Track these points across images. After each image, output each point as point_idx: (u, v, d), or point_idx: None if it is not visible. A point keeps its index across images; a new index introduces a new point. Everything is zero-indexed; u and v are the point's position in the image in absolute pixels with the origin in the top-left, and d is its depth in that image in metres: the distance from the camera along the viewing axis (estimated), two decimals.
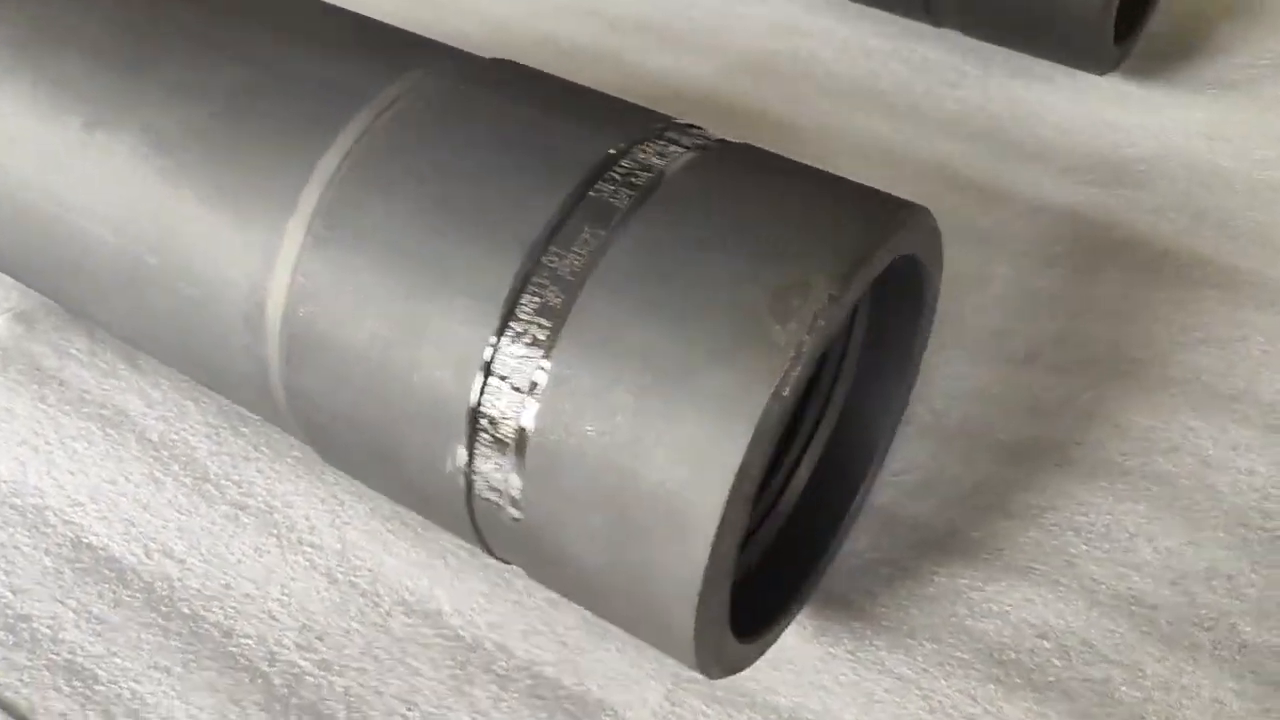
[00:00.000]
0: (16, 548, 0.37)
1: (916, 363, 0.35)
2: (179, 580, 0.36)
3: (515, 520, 0.28)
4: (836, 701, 0.32)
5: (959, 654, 0.33)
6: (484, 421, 0.27)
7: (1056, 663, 0.32)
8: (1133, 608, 0.33)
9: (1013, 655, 0.33)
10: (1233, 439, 0.36)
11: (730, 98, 0.49)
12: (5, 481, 0.39)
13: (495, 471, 0.27)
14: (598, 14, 0.55)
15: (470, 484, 0.28)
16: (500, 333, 0.27)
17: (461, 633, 0.35)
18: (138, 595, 0.36)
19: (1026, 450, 0.37)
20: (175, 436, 0.40)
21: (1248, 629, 0.33)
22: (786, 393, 0.25)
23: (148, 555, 0.37)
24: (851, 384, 0.36)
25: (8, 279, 0.43)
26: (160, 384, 0.41)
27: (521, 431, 0.27)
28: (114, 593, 0.36)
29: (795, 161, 0.30)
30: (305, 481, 0.38)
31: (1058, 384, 0.39)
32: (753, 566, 0.34)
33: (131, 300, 0.33)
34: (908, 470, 0.37)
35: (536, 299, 0.27)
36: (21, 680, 0.34)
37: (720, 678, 0.30)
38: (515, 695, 0.33)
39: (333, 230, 0.29)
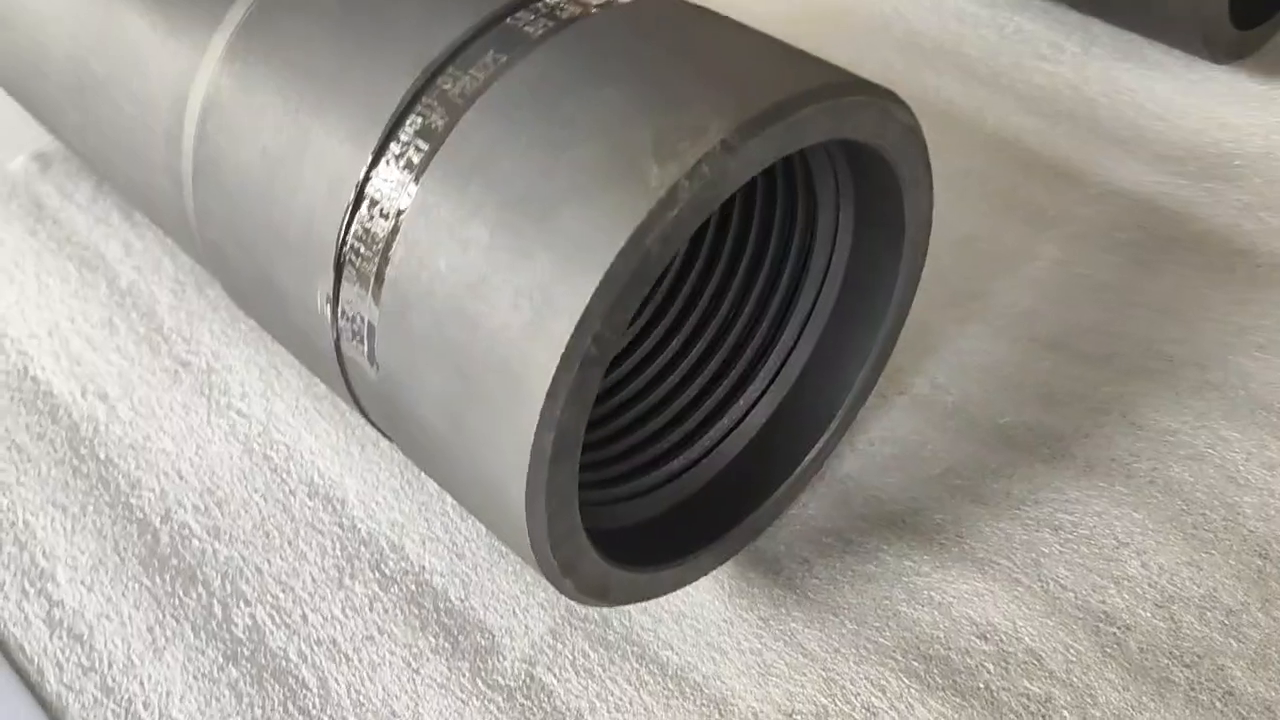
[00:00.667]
0: None
1: (898, 313, 0.31)
2: (104, 424, 0.35)
3: (373, 372, 0.25)
4: (729, 668, 0.28)
5: (881, 639, 0.28)
6: (349, 253, 0.24)
7: (991, 668, 0.27)
8: (1100, 624, 0.28)
9: (942, 651, 0.28)
10: (1271, 457, 0.31)
11: (790, 37, 0.46)
12: None
13: (357, 315, 0.25)
14: None
15: (337, 329, 0.25)
16: (379, 154, 0.24)
17: (359, 525, 0.32)
18: (62, 432, 0.35)
19: (1022, 437, 0.32)
20: (143, 287, 0.39)
21: (1239, 674, 0.27)
22: (651, 241, 0.21)
23: (83, 395, 0.36)
24: (825, 324, 0.32)
25: (36, 124, 0.43)
26: (145, 236, 0.40)
27: (382, 265, 0.24)
28: (40, 425, 0.35)
29: (754, 29, 0.27)
30: (251, 349, 0.37)
31: (1079, 374, 0.33)
32: (681, 503, 0.31)
33: (80, 112, 0.32)
34: (884, 441, 0.33)
35: (420, 119, 0.24)
36: None
37: (582, 599, 0.26)
38: (394, 598, 0.31)
39: (247, 45, 0.27)
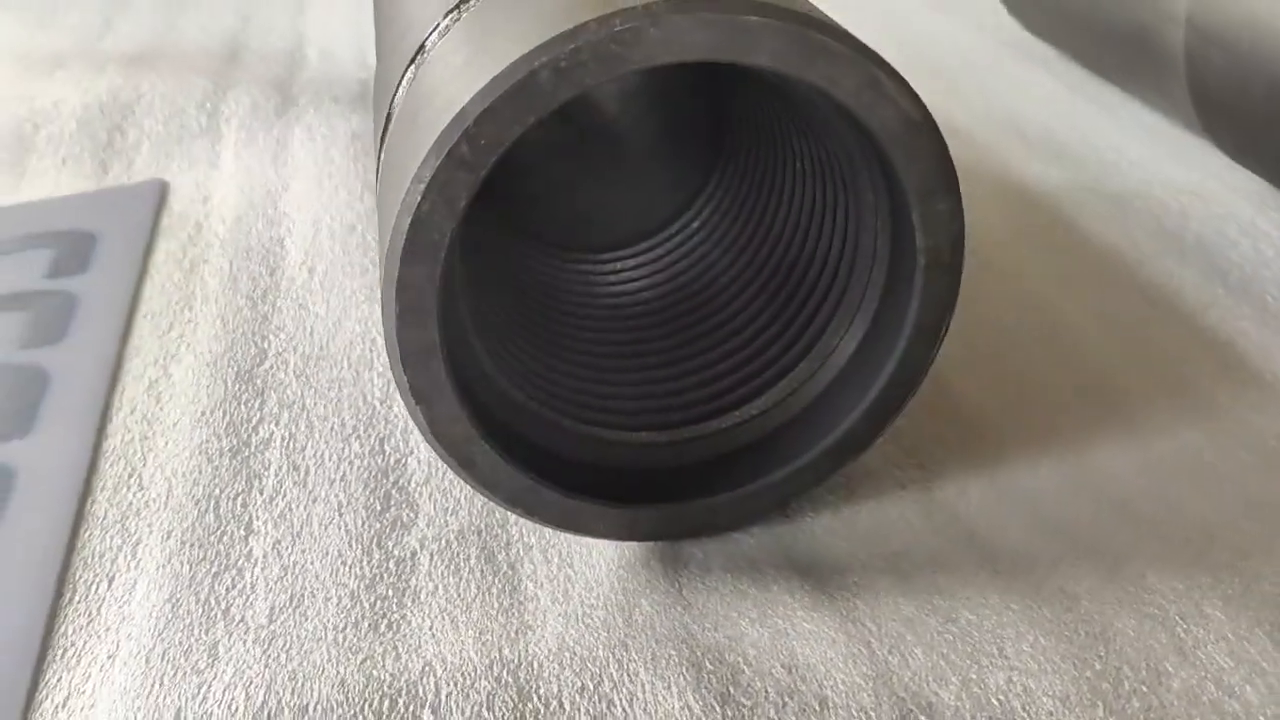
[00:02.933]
0: None
1: (905, 364, 0.29)
2: None
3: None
4: (561, 611, 0.28)
5: (692, 640, 0.26)
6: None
7: (771, 695, 0.24)
8: (912, 710, 0.23)
9: (739, 665, 0.25)
10: (1249, 653, 0.24)
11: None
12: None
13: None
14: None
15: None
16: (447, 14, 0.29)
17: None
18: None
19: (995, 551, 0.28)
20: None
21: None
22: (540, 65, 0.23)
23: None
24: (847, 358, 0.31)
25: None
26: None
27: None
28: None
29: None
30: None
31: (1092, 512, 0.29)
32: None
33: None
34: (856, 500, 0.30)
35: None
36: None
37: (434, 442, 0.27)
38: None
39: None
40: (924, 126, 0.26)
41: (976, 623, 0.26)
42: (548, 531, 0.30)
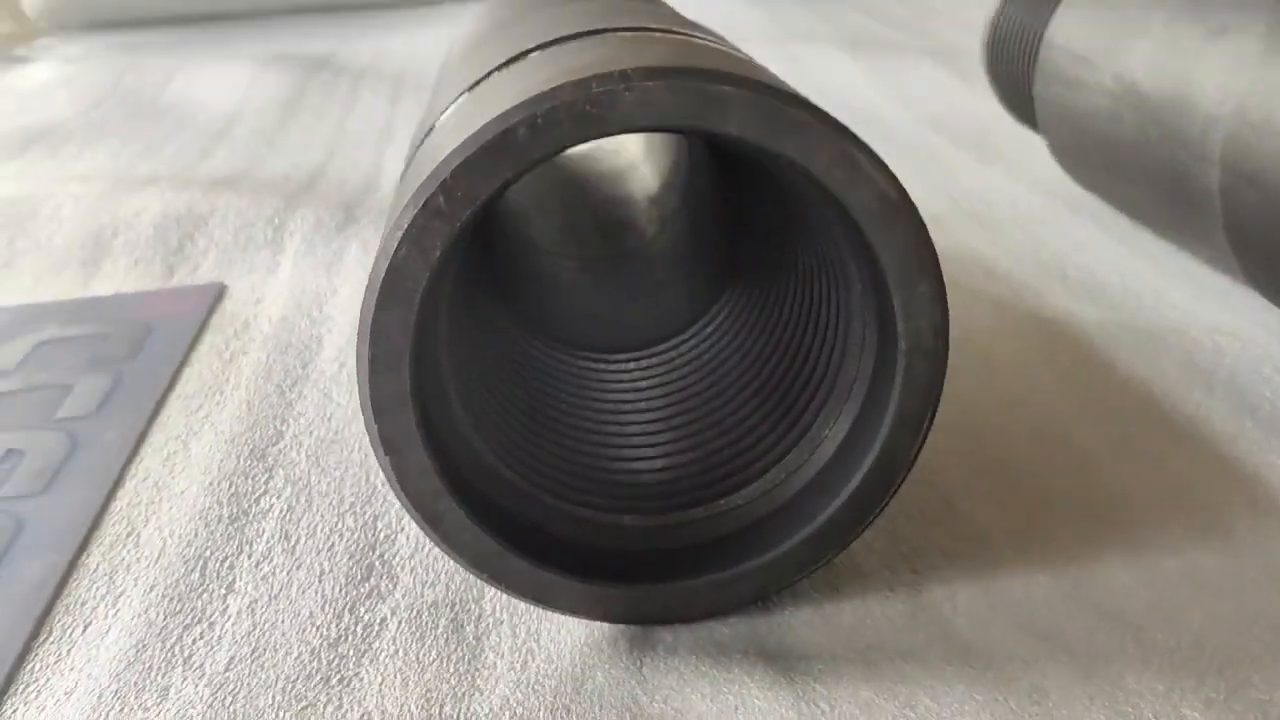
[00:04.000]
0: None
1: (885, 456, 0.28)
2: None
3: None
4: (513, 679, 0.27)
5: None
6: None
7: None
8: None
9: None
10: None
11: None
12: None
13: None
14: None
15: None
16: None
17: None
18: None
19: (968, 643, 0.27)
20: None
21: None
22: (518, 121, 0.24)
23: None
24: (840, 440, 0.30)
25: None
26: None
27: None
28: None
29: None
30: None
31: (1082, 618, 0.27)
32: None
33: None
34: (833, 592, 0.29)
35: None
36: None
37: (406, 501, 0.27)
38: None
39: None
40: (901, 207, 0.26)
41: (935, 709, 0.24)
42: (522, 608, 0.30)
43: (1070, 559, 0.31)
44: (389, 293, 0.25)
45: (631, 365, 0.37)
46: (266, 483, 0.37)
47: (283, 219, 0.59)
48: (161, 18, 1.21)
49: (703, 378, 0.36)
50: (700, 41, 0.30)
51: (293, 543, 0.34)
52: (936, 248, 0.26)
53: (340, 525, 0.34)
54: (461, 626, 0.30)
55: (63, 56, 1.10)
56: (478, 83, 0.31)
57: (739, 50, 0.32)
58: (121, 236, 0.58)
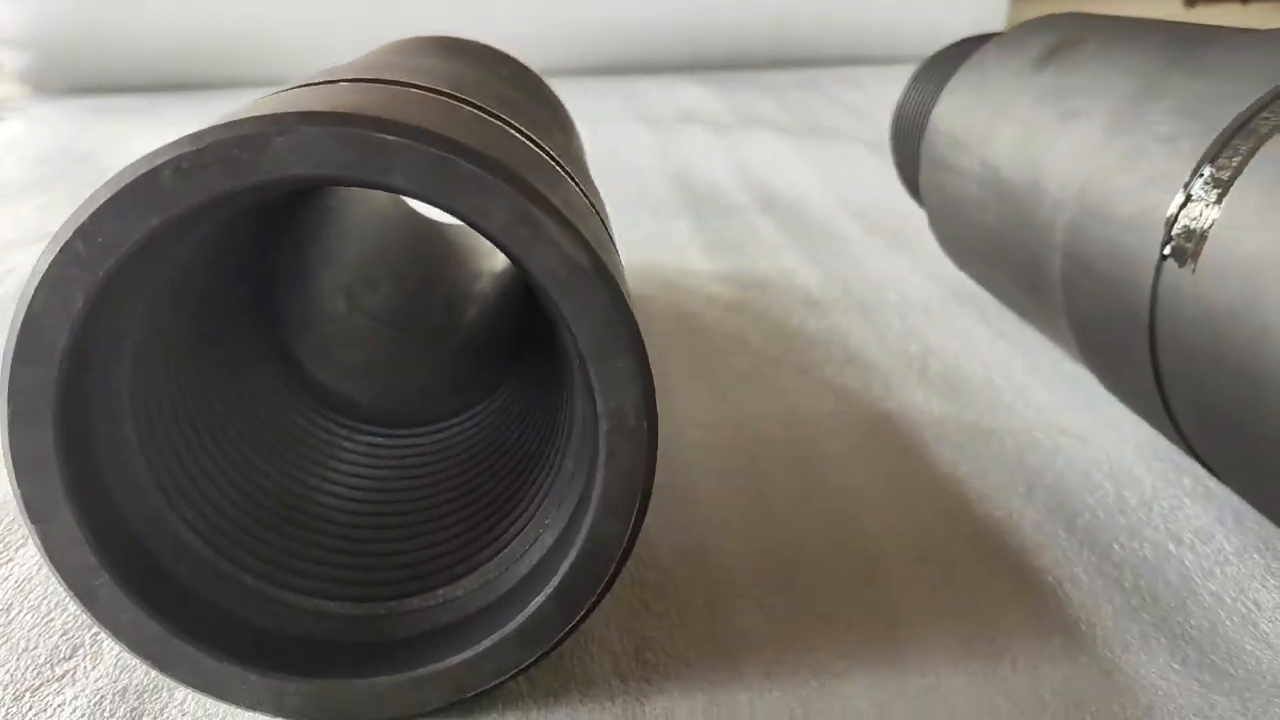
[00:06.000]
0: None
1: (581, 564, 0.25)
2: None
3: None
4: None
5: None
6: None
7: None
8: None
9: None
10: None
11: None
12: None
13: None
14: None
15: None
16: None
17: None
18: None
19: None
20: None
21: None
22: (163, 165, 0.22)
23: None
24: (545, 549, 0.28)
25: None
26: None
27: None
28: None
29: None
30: None
31: None
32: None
33: None
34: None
35: None
36: None
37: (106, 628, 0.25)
38: None
39: None
40: (592, 274, 0.24)
41: None
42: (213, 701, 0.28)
43: (815, 673, 0.28)
44: (26, 346, 0.24)
45: (386, 442, 0.35)
46: (17, 551, 0.35)
47: None
48: (139, 84, 1.22)
49: (452, 463, 0.34)
50: (426, 95, 0.28)
51: (11, 616, 0.32)
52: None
53: (62, 596, 0.32)
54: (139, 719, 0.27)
55: (31, 117, 1.11)
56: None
57: (516, 117, 0.30)
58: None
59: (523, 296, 0.38)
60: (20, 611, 0.32)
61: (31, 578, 0.33)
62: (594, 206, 0.31)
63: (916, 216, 0.60)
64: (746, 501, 0.36)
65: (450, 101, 0.27)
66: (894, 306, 0.53)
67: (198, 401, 0.30)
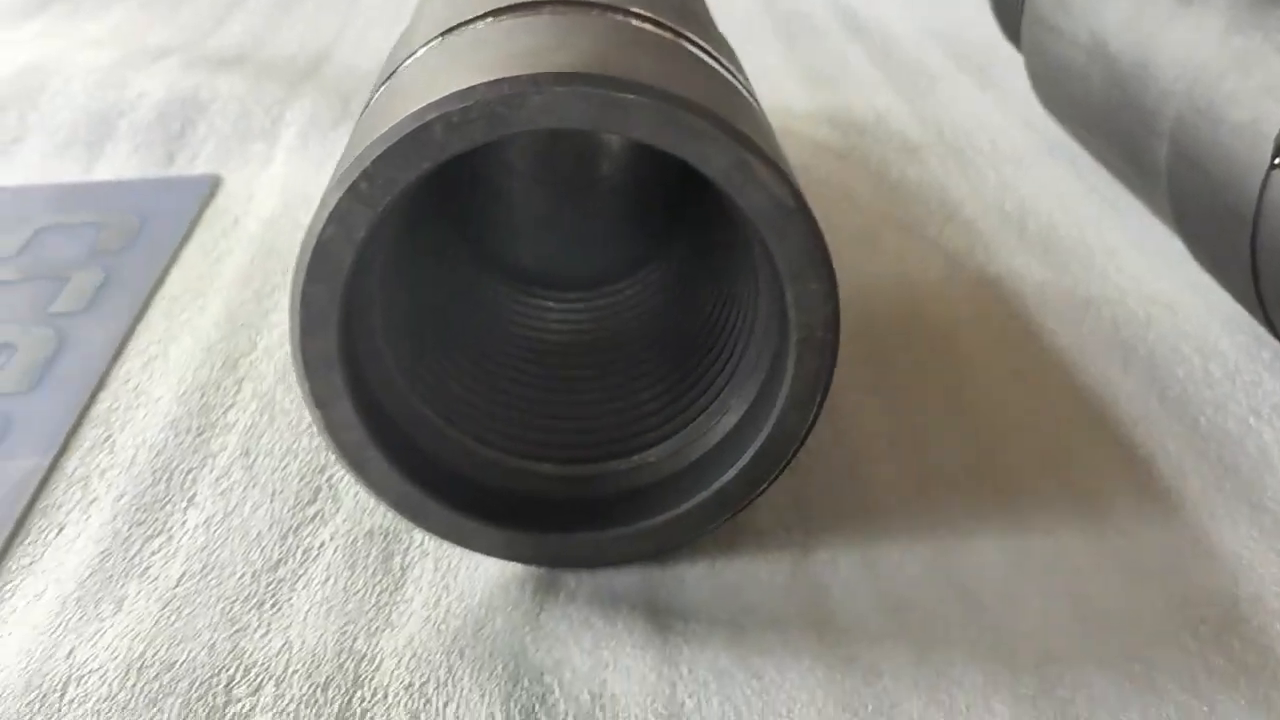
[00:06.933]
0: None
1: (777, 432, 0.30)
2: None
3: None
4: (424, 606, 0.30)
5: (496, 661, 0.28)
6: None
7: None
8: None
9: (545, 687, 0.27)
10: None
11: None
12: None
13: None
14: None
15: None
16: None
17: None
18: None
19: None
20: None
21: None
22: (434, 119, 0.26)
23: None
24: (742, 413, 0.33)
25: None
26: None
27: None
28: None
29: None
30: None
31: None
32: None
33: None
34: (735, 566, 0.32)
35: None
36: None
37: (326, 437, 0.30)
38: None
39: None
40: (795, 212, 0.28)
41: (779, 682, 0.27)
42: (446, 543, 0.33)
43: (951, 530, 0.33)
44: (316, 267, 0.28)
45: (577, 306, 0.40)
46: (235, 395, 0.40)
47: (281, 109, 0.61)
48: None
49: (634, 328, 0.38)
50: (637, 28, 0.31)
51: (251, 459, 0.37)
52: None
53: (296, 445, 0.38)
54: (391, 557, 0.33)
55: None
56: (446, 33, 0.32)
57: (702, 34, 0.33)
58: (126, 119, 0.60)
59: (665, 171, 0.42)
60: (260, 457, 0.37)
61: (254, 424, 0.39)
62: (751, 94, 0.34)
63: (1006, 51, 0.61)
64: (870, 370, 0.40)
65: (665, 37, 0.31)
66: (988, 157, 0.56)
67: (422, 300, 0.35)
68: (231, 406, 0.39)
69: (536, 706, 0.27)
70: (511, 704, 0.27)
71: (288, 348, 0.42)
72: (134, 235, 0.50)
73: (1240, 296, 0.40)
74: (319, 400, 0.29)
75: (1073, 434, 0.37)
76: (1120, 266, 0.47)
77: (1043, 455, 0.36)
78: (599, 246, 0.42)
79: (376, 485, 0.31)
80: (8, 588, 0.32)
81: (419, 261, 0.36)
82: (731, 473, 0.31)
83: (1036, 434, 0.37)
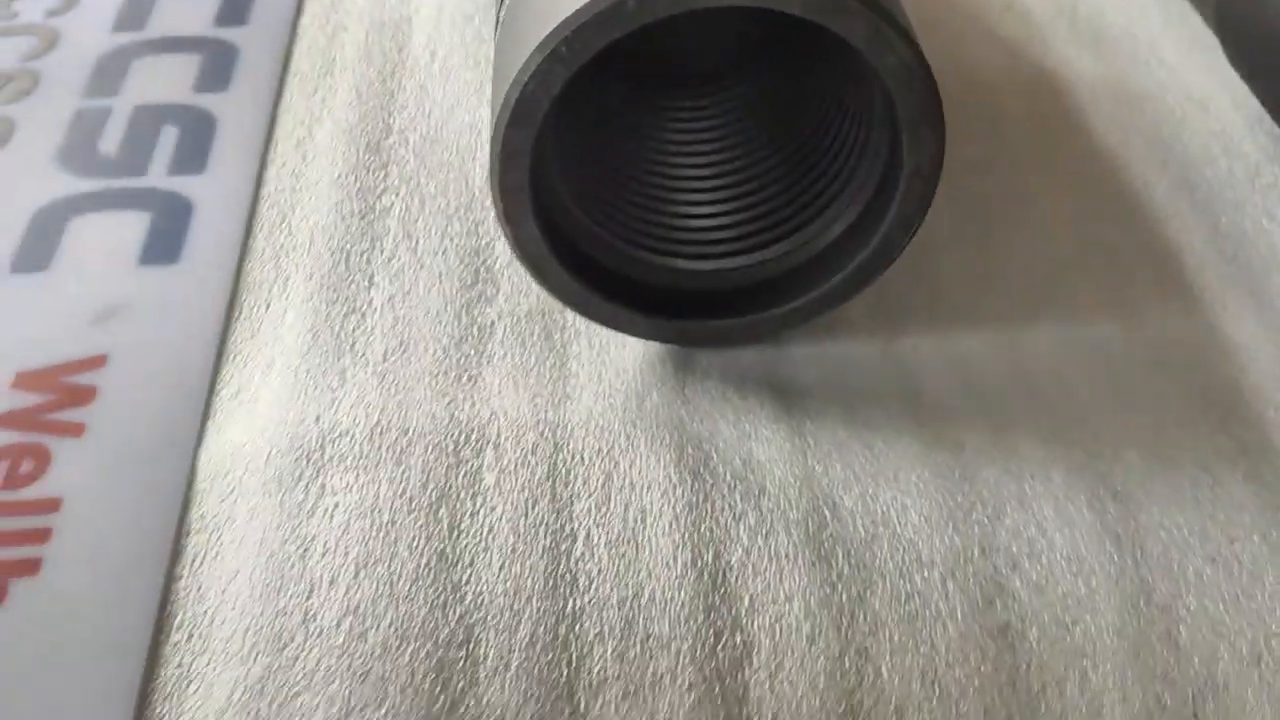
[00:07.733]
0: None
1: (884, 246, 0.37)
2: None
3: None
4: (575, 386, 0.38)
5: (664, 432, 0.36)
6: None
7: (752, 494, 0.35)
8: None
9: (706, 451, 0.35)
10: None
11: None
12: None
13: None
14: None
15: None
16: None
17: None
18: None
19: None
20: None
21: None
22: None
23: None
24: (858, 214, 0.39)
25: None
26: None
27: None
28: None
29: None
30: None
31: None
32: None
33: None
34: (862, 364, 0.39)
35: None
36: None
37: (514, 251, 0.36)
38: None
39: None
40: (917, 71, 0.33)
41: (886, 452, 0.35)
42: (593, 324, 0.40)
43: (1014, 317, 0.40)
44: (517, 117, 0.33)
45: (697, 105, 0.45)
46: (385, 179, 0.46)
47: None
48: None
49: (752, 127, 0.44)
50: None
51: (414, 243, 0.43)
52: None
53: (449, 229, 0.44)
54: (551, 335, 0.40)
55: None
56: None
57: None
58: None
59: None
60: (419, 240, 0.43)
61: (408, 209, 0.44)
62: None
63: None
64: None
65: None
66: None
67: (581, 136, 0.40)
68: (384, 190, 0.45)
69: (701, 469, 0.35)
70: (682, 466, 0.35)
71: (420, 131, 0.48)
72: (247, 4, 0.54)
73: (1273, 109, 0.45)
74: (510, 218, 0.35)
75: (1109, 230, 0.44)
76: (1161, 59, 0.52)
77: (1088, 252, 0.43)
78: (720, 48, 0.47)
79: (552, 286, 0.37)
80: (239, 359, 0.39)
81: (581, 104, 0.40)
82: (841, 275, 0.38)
83: (1085, 231, 0.44)
